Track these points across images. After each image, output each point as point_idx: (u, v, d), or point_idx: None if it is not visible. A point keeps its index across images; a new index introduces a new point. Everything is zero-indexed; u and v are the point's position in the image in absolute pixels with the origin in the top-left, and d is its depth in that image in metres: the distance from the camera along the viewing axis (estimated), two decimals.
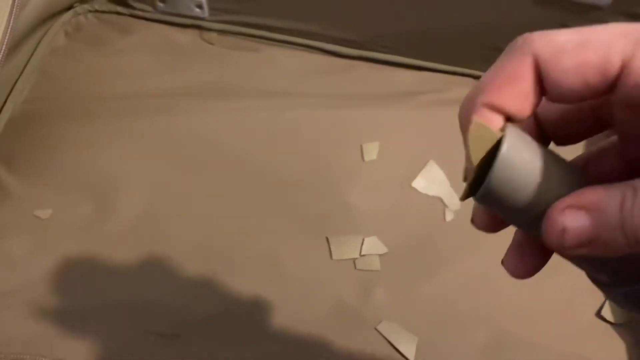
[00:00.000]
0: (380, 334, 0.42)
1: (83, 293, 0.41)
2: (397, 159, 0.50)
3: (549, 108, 0.17)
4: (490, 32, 0.52)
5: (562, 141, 0.18)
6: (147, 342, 0.39)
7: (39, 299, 0.40)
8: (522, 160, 0.15)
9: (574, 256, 0.14)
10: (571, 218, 0.14)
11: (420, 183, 0.49)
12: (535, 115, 0.17)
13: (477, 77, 0.57)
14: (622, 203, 0.13)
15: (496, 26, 0.51)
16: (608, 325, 0.44)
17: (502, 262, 0.18)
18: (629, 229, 0.13)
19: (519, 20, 0.50)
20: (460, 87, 0.56)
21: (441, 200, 0.49)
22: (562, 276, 0.46)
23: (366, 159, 0.49)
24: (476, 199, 0.16)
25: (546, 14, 0.49)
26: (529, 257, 0.18)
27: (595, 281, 0.17)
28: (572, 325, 0.44)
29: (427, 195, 0.49)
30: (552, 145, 0.18)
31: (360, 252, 0.45)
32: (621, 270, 0.16)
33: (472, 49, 0.54)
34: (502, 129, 0.15)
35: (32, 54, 0.51)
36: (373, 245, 0.46)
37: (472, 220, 0.19)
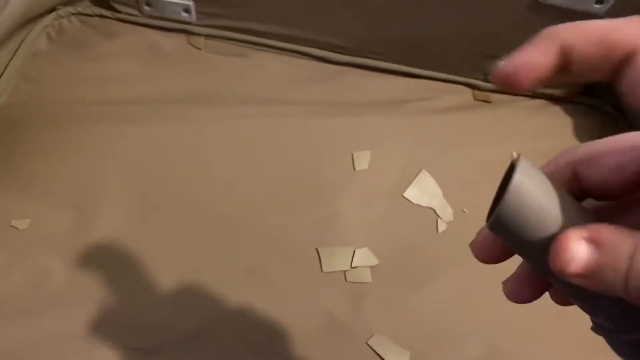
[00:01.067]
0: (372, 348, 0.41)
1: (62, 308, 0.39)
2: (389, 169, 0.49)
3: (592, 170, 0.17)
4: (482, 39, 0.51)
5: (602, 197, 0.18)
6: (127, 358, 0.38)
7: (13, 315, 0.38)
8: (534, 188, 0.15)
9: (572, 282, 0.15)
10: (583, 249, 0.14)
11: (412, 193, 0.48)
12: (577, 175, 0.18)
13: (469, 85, 0.56)
14: (634, 252, 0.14)
15: (489, 33, 0.50)
16: (602, 340, 0.43)
17: (503, 287, 0.19)
18: (632, 278, 0.14)
19: (512, 28, 0.49)
20: (452, 95, 0.55)
21: (433, 210, 0.47)
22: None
23: (357, 168, 0.48)
24: (489, 226, 0.17)
25: (540, 21, 0.48)
26: (529, 287, 0.18)
27: (597, 328, 0.18)
28: (566, 339, 0.43)
29: (419, 206, 0.47)
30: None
31: (352, 264, 0.44)
32: (612, 311, 0.17)
33: (464, 57, 0.53)
34: (516, 160, 0.16)
35: (11, 58, 0.49)
36: (364, 257, 0.44)
37: (473, 250, 0.19)
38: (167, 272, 0.41)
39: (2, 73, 0.48)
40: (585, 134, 0.55)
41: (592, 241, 0.14)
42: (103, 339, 0.38)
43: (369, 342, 0.41)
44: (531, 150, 0.52)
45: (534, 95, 0.57)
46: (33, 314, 0.38)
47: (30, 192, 0.43)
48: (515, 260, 0.19)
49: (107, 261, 0.41)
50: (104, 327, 0.39)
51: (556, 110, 0.57)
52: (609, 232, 0.14)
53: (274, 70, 0.53)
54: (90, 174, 0.45)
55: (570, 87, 0.55)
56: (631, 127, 0.55)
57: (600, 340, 0.45)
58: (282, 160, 0.48)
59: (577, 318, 0.44)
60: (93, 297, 0.40)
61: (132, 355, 0.38)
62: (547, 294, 0.43)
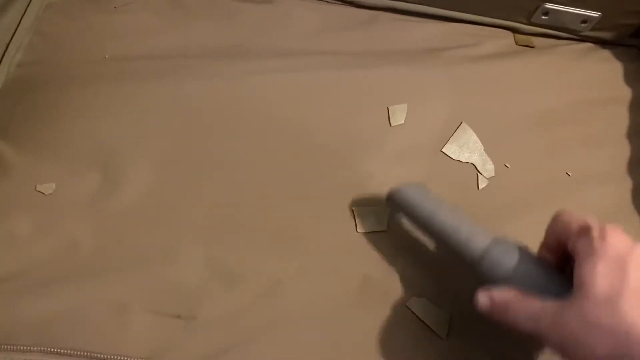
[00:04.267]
0: (410, 310, 0.39)
1: (93, 274, 0.38)
2: (427, 122, 0.46)
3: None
4: None
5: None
6: (162, 325, 0.37)
7: (42, 284, 0.37)
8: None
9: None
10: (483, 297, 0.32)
11: (451, 148, 0.45)
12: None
13: (510, 29, 0.52)
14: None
15: None
16: None
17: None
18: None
19: None
20: (493, 41, 0.52)
21: (474, 166, 0.45)
22: None
23: (393, 123, 0.46)
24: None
25: None
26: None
27: None
28: None
29: (459, 162, 0.45)
30: None
31: (388, 225, 0.42)
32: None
33: None
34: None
35: (24, 12, 0.46)
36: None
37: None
38: (197, 235, 0.40)
39: (17, 29, 0.46)
40: (636, 79, 0.51)
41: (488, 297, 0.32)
42: (136, 305, 0.37)
43: (407, 304, 0.39)
44: (578, 100, 0.49)
45: (581, 39, 0.53)
46: (64, 281, 0.37)
47: (53, 155, 0.42)
48: None
49: (136, 225, 0.40)
50: (137, 293, 0.37)
51: (605, 55, 0.53)
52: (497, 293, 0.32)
53: (302, 18, 0.50)
54: (113, 134, 0.43)
55: (620, 28, 0.51)
56: None
57: None
58: (312, 116, 0.45)
59: None
60: (124, 262, 0.39)
61: (166, 321, 0.37)
62: None
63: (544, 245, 0.34)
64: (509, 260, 0.33)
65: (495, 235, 0.35)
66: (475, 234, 0.35)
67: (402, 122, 0.46)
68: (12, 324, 0.35)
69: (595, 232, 0.29)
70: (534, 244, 0.42)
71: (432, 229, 0.37)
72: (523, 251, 0.34)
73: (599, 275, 0.27)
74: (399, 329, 0.39)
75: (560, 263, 0.33)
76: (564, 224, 0.31)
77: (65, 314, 0.36)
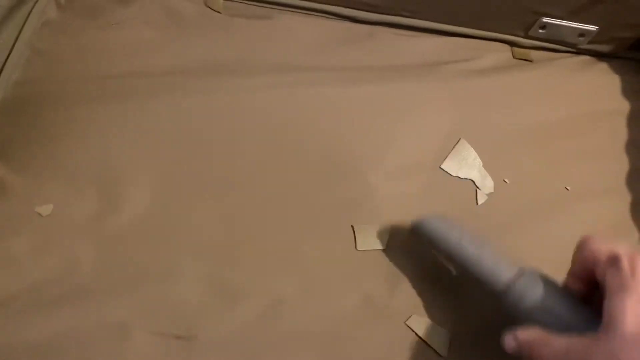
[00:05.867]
0: (411, 329, 0.39)
1: (93, 294, 0.38)
2: (425, 138, 0.46)
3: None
4: None
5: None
6: (162, 345, 0.37)
7: (42, 305, 0.37)
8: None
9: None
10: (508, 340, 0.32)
11: (450, 165, 0.45)
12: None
13: (511, 43, 0.52)
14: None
15: None
16: None
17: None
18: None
19: None
20: (490, 54, 0.52)
21: (473, 182, 0.45)
22: None
23: (392, 140, 0.46)
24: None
25: None
26: None
27: None
28: None
29: (458, 178, 0.45)
30: None
31: (387, 244, 0.42)
32: None
33: (506, 12, 0.49)
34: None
35: (21, 29, 0.46)
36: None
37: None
38: (198, 254, 0.40)
39: (13, 47, 0.45)
40: (634, 92, 0.51)
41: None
42: (136, 325, 0.37)
43: (407, 323, 0.39)
44: (577, 113, 0.49)
45: (579, 52, 0.53)
46: (63, 302, 0.37)
47: (51, 176, 0.41)
48: None
49: (135, 244, 0.40)
50: (137, 313, 0.37)
51: (603, 68, 0.53)
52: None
53: (300, 33, 0.50)
54: (112, 153, 0.42)
55: (618, 41, 0.51)
56: None
57: None
58: (312, 133, 0.45)
59: None
60: (123, 282, 0.38)
61: (167, 341, 0.37)
62: None
63: (571, 273, 0.33)
64: (534, 293, 0.33)
65: (520, 266, 0.35)
66: (499, 264, 0.35)
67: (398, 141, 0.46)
68: (12, 345, 0.35)
69: (625, 264, 0.28)
70: (534, 259, 0.42)
71: (457, 260, 0.37)
72: (549, 283, 0.33)
73: (629, 312, 0.26)
74: (399, 348, 0.39)
75: (588, 291, 0.32)
76: (592, 253, 0.31)
77: (65, 335, 0.36)
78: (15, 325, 0.36)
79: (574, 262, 0.32)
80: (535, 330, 0.31)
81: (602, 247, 0.30)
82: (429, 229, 0.38)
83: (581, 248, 0.32)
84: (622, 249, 0.29)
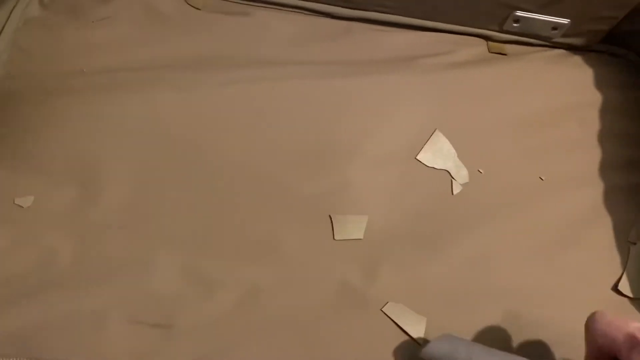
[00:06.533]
0: (387, 315, 0.40)
1: (71, 285, 0.38)
2: (402, 130, 0.47)
3: None
4: None
5: None
6: (141, 334, 0.37)
7: (22, 295, 0.37)
8: None
9: None
10: None
11: (425, 156, 0.46)
12: None
13: (486, 38, 0.53)
14: None
15: None
16: (625, 300, 0.43)
17: None
18: None
19: None
20: (466, 49, 0.53)
21: (448, 172, 0.46)
22: (576, 251, 0.44)
23: (368, 132, 0.46)
24: None
25: None
26: None
27: None
28: (588, 301, 0.42)
29: (433, 169, 0.46)
30: None
31: (365, 233, 0.42)
32: None
33: (480, 6, 0.50)
34: None
35: (3, 27, 0.47)
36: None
37: None
38: (175, 244, 0.41)
39: None
40: (607, 85, 0.52)
41: None
42: (115, 314, 0.38)
43: (383, 309, 0.40)
44: (550, 105, 0.50)
45: (553, 45, 0.54)
46: (43, 292, 0.38)
47: (31, 168, 0.42)
48: None
49: (113, 236, 0.40)
50: (115, 302, 0.38)
51: (576, 61, 0.54)
52: None
53: (278, 29, 0.51)
54: (91, 146, 0.43)
55: (591, 34, 0.52)
56: None
57: (624, 300, 0.44)
58: (290, 125, 0.46)
59: (601, 279, 0.43)
60: (102, 273, 0.39)
61: (144, 330, 0.37)
62: (562, 266, 0.43)
63: (589, 358, 0.31)
64: None
65: None
66: None
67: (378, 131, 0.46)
68: None
69: None
70: (506, 247, 0.43)
71: None
72: None
73: None
74: (375, 334, 0.39)
75: None
76: (607, 337, 0.29)
77: (45, 324, 0.37)
78: None
79: (588, 345, 0.31)
80: None
81: (618, 329, 0.28)
82: (437, 354, 0.36)
83: (593, 331, 0.30)
84: (636, 328, 0.28)
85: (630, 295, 0.42)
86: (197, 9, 0.51)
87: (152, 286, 0.39)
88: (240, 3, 0.52)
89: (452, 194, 0.45)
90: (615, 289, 0.43)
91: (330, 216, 0.43)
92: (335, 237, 0.42)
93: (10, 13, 0.48)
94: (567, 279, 0.43)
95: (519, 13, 0.50)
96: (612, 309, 0.42)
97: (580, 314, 0.41)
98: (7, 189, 0.41)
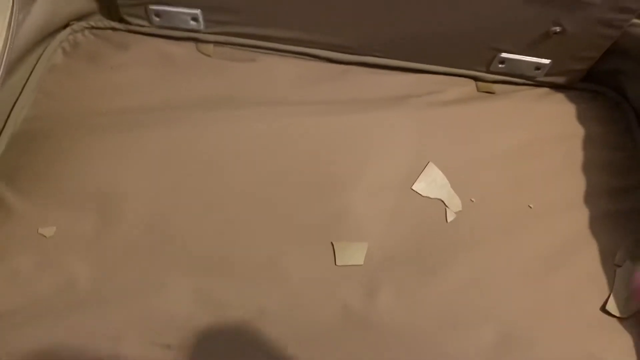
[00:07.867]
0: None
1: (89, 309, 0.41)
2: (397, 163, 0.50)
3: None
4: (484, 32, 0.52)
5: None
6: (153, 355, 0.39)
7: (45, 316, 0.40)
8: None
9: None
10: None
11: (420, 186, 0.49)
12: None
13: (475, 78, 0.57)
14: None
15: (490, 26, 0.51)
16: (614, 320, 0.44)
17: None
18: None
19: (512, 20, 0.50)
20: (456, 88, 0.56)
21: (442, 202, 0.49)
22: (565, 273, 0.46)
23: (366, 164, 0.50)
24: None
25: (539, 11, 0.49)
26: None
27: None
28: (578, 321, 0.44)
29: (428, 198, 0.49)
30: None
31: (364, 259, 0.45)
32: None
33: (467, 49, 0.54)
34: None
35: (30, 73, 0.51)
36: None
37: None
38: (186, 269, 0.43)
39: (23, 88, 0.50)
40: (589, 119, 0.56)
41: None
42: (129, 336, 0.40)
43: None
44: (537, 138, 0.54)
45: (538, 84, 0.58)
46: (62, 315, 0.40)
47: (54, 200, 0.45)
48: None
49: (129, 261, 0.43)
50: (130, 324, 0.40)
51: (560, 97, 0.58)
52: None
53: (282, 72, 0.55)
54: (111, 179, 0.47)
55: (571, 73, 0.56)
56: (635, 111, 0.56)
57: (613, 320, 0.46)
58: (294, 158, 0.49)
59: (589, 300, 0.45)
60: (118, 296, 0.42)
61: (156, 351, 0.40)
62: (552, 288, 0.45)
63: None
64: None
65: None
66: None
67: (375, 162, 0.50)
68: (11, 354, 0.38)
69: None
70: (500, 271, 0.45)
71: None
72: None
73: None
74: (377, 355, 0.41)
75: None
76: None
77: (63, 345, 0.39)
78: (15, 336, 0.39)
79: None
80: None
81: None
82: None
83: None
84: None
85: (618, 314, 0.44)
86: (208, 55, 0.55)
87: (164, 309, 0.41)
88: (247, 50, 0.56)
89: (447, 221, 0.48)
90: (603, 309, 0.45)
91: (332, 243, 0.46)
92: (337, 263, 0.45)
93: (37, 61, 0.52)
94: (558, 300, 0.45)
95: (504, 55, 0.54)
96: (601, 328, 0.44)
97: (571, 334, 0.43)
98: (32, 219, 0.44)
